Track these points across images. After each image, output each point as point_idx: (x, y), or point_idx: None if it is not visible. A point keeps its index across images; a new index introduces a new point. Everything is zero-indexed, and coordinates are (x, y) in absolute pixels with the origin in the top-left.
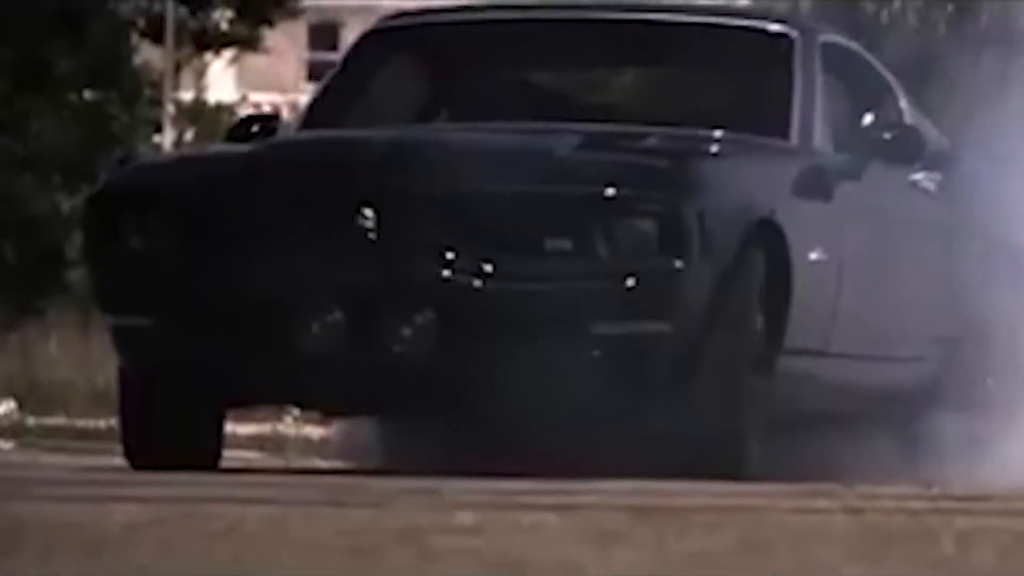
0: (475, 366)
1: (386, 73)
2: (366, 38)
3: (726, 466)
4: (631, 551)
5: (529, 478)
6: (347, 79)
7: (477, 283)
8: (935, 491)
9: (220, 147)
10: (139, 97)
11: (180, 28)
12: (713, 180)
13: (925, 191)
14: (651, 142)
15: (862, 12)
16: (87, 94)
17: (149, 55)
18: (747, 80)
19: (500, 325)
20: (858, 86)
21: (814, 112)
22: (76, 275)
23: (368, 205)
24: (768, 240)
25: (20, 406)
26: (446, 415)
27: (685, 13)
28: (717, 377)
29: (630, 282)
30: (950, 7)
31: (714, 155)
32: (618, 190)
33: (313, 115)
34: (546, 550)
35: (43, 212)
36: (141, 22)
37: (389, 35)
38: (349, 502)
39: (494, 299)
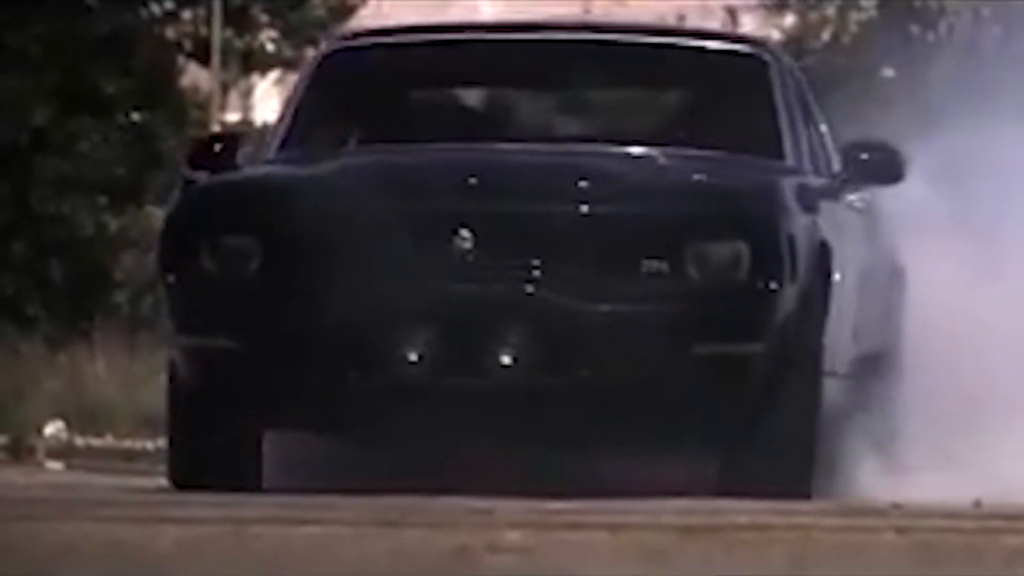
0: (574, 390)
1: (360, 91)
2: (330, 57)
3: (797, 487)
4: (679, 570)
5: (578, 497)
6: (321, 98)
7: (574, 305)
8: (983, 509)
9: (292, 167)
10: (186, 118)
11: (226, 50)
12: (791, 204)
13: (858, 211)
14: (720, 166)
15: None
16: (134, 116)
17: (196, 76)
18: (727, 102)
19: (598, 347)
20: (805, 109)
21: (799, 133)
22: (123, 296)
23: (465, 227)
24: (824, 261)
25: (68, 426)
26: (545, 440)
27: (658, 34)
28: (798, 396)
29: (727, 303)
30: (996, 29)
31: (786, 178)
32: (715, 212)
33: (293, 134)
34: (595, 569)
35: (90, 233)
36: (188, 44)
37: (356, 54)
38: (400, 522)
39: (592, 321)
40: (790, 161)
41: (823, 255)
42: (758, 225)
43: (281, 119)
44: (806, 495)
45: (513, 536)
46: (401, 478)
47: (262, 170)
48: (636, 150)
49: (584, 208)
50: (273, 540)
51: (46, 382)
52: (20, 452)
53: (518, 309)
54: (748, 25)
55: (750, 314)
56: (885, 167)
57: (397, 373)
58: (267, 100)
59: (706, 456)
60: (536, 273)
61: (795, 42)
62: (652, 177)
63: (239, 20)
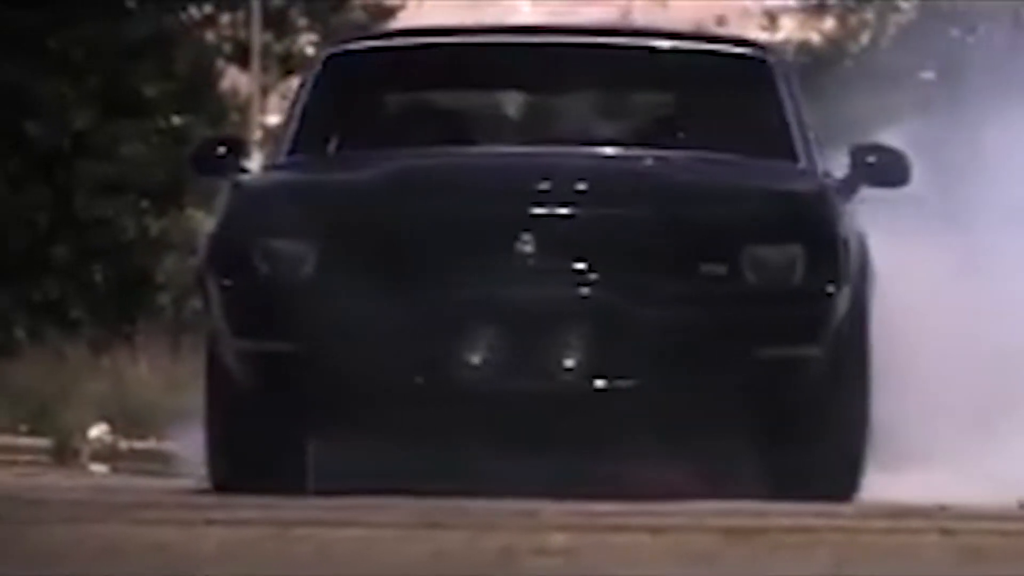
0: (635, 393)
1: (369, 93)
2: (335, 58)
3: (849, 489)
4: (723, 572)
5: (622, 500)
6: (328, 100)
7: (636, 308)
8: None
9: (346, 172)
10: (226, 121)
11: (266, 53)
12: (841, 207)
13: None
14: (757, 170)
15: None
16: (175, 119)
17: (236, 80)
18: (737, 105)
19: (660, 351)
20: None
21: (808, 135)
22: (165, 298)
23: (527, 231)
24: (866, 262)
25: (112, 429)
26: (606, 443)
27: (665, 38)
28: (850, 399)
29: (789, 306)
30: None
31: (833, 182)
32: (775, 216)
33: (302, 138)
34: (639, 571)
35: (132, 236)
36: (228, 47)
37: (362, 56)
38: (443, 524)
39: (653, 325)
40: (803, 164)
41: (866, 256)
42: (818, 228)
43: (288, 122)
44: (852, 497)
45: (557, 538)
46: (451, 480)
47: (316, 173)
48: (665, 154)
49: (647, 212)
50: (316, 542)
51: (90, 385)
52: (65, 455)
53: (580, 313)
54: (787, 28)
55: (810, 317)
56: (892, 170)
57: (460, 377)
58: None
59: (760, 458)
60: (598, 277)
61: (834, 45)
62: (706, 181)
63: (278, 23)
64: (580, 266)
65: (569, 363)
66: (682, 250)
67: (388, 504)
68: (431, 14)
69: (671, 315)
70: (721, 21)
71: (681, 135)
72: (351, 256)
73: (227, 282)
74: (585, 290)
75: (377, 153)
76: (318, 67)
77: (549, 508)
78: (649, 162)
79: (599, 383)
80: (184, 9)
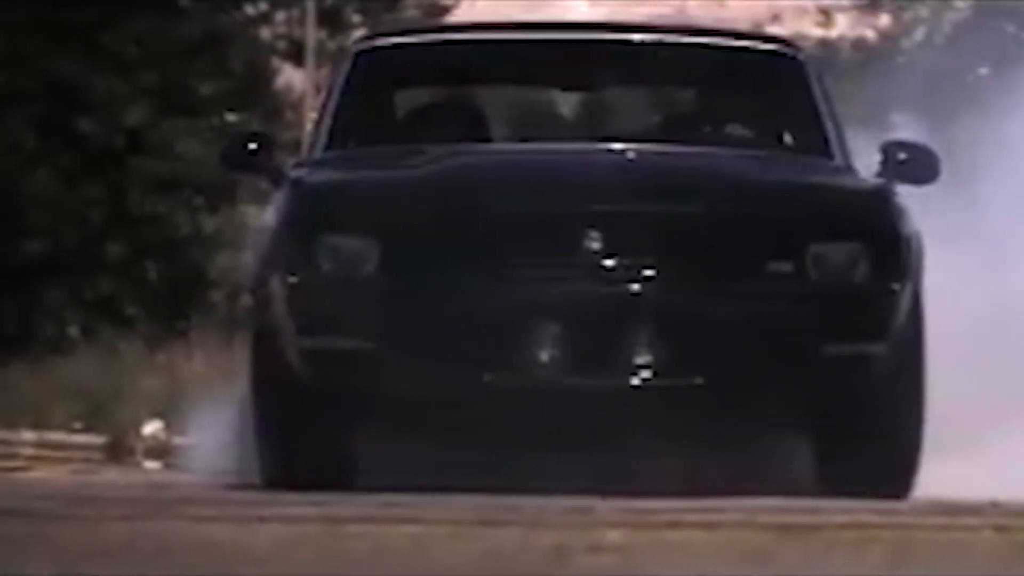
0: (702, 390)
1: (399, 90)
2: (367, 54)
3: (906, 487)
4: (777, 569)
5: (675, 496)
6: (363, 95)
7: (702, 305)
8: None
9: (406, 169)
10: (280, 118)
11: (320, 50)
12: (902, 204)
13: None
14: (811, 167)
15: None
16: (229, 116)
17: (290, 77)
18: (772, 102)
19: (727, 348)
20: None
21: (840, 131)
22: (219, 295)
23: (593, 228)
24: (921, 259)
25: (166, 426)
26: (673, 439)
27: (697, 34)
28: (908, 396)
29: (856, 303)
30: None
31: (879, 180)
32: (842, 214)
33: (338, 132)
34: (693, 569)
35: (186, 233)
36: (282, 45)
37: (395, 51)
38: (497, 521)
39: (720, 321)
40: (838, 160)
41: (921, 253)
42: (884, 226)
43: (322, 118)
44: (907, 494)
45: (611, 535)
46: (514, 478)
47: (375, 169)
48: (711, 151)
49: (715, 209)
50: (369, 539)
51: (144, 382)
52: (119, 452)
53: (648, 310)
54: (842, 25)
55: (876, 314)
56: (922, 167)
57: (529, 375)
58: None
59: (818, 455)
60: (665, 274)
61: (889, 41)
62: (772, 179)
63: (332, 21)
64: (647, 263)
65: (637, 361)
66: (749, 247)
67: (441, 501)
68: (485, 12)
69: (738, 312)
70: (776, 18)
71: (718, 132)
72: (416, 253)
73: (292, 279)
74: (652, 287)
75: (423, 148)
76: (349, 63)
77: (603, 505)
78: (707, 159)
79: (667, 381)
80: (238, 7)
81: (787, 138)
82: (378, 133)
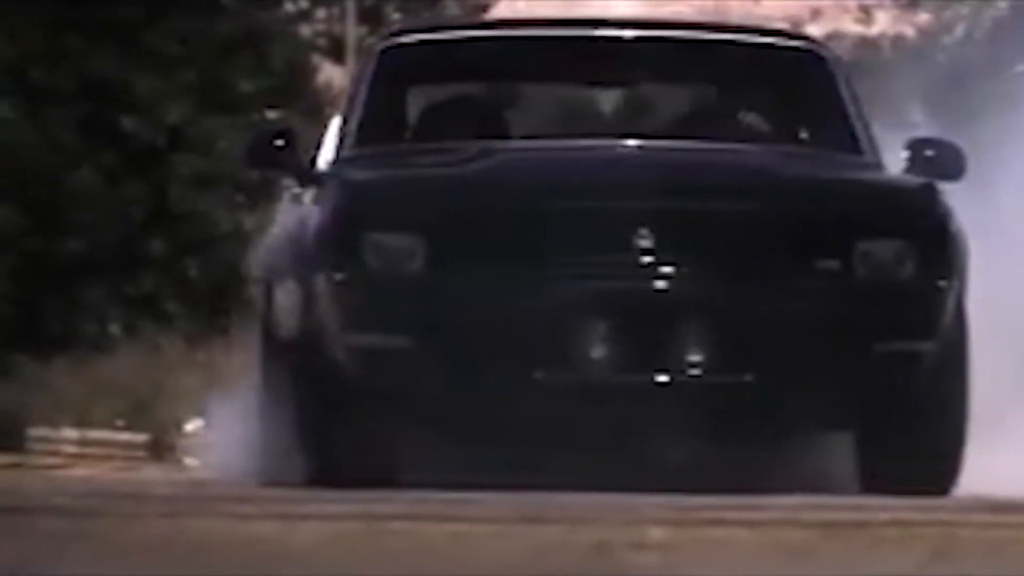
0: (753, 388)
1: (425, 86)
2: (393, 50)
3: (945, 484)
4: (820, 567)
5: (717, 493)
6: (391, 91)
7: (753, 303)
8: None
9: (449, 166)
10: (321, 115)
11: (360, 47)
12: (946, 202)
13: None
14: (850, 165)
15: None
16: (270, 114)
17: (330, 74)
18: (797, 98)
19: (778, 346)
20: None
21: (868, 128)
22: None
23: (643, 225)
24: (965, 257)
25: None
26: (724, 437)
27: (723, 31)
28: (954, 393)
29: (903, 301)
30: None
31: (922, 178)
32: (890, 212)
33: (365, 130)
34: (736, 566)
35: (226, 230)
36: (322, 42)
37: (421, 47)
38: (540, 519)
39: (770, 319)
40: (868, 157)
41: (966, 251)
42: (932, 224)
43: (349, 114)
44: (950, 491)
45: (653, 532)
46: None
47: (420, 167)
48: (747, 148)
49: (766, 207)
50: (411, 537)
51: (185, 379)
52: (160, 450)
53: (699, 308)
54: (882, 22)
55: (925, 311)
56: (949, 164)
57: (581, 372)
58: None
59: (863, 452)
60: (716, 271)
61: (929, 38)
62: (819, 177)
63: (373, 17)
64: (697, 260)
65: (688, 358)
66: (798, 245)
67: (482, 499)
68: (525, 9)
69: (787, 310)
70: (816, 16)
71: (748, 129)
72: (464, 250)
73: (338, 276)
74: (702, 284)
75: (458, 146)
76: (374, 60)
77: (645, 502)
78: (751, 157)
79: (717, 378)
80: (279, 4)
81: (817, 135)
82: (407, 130)
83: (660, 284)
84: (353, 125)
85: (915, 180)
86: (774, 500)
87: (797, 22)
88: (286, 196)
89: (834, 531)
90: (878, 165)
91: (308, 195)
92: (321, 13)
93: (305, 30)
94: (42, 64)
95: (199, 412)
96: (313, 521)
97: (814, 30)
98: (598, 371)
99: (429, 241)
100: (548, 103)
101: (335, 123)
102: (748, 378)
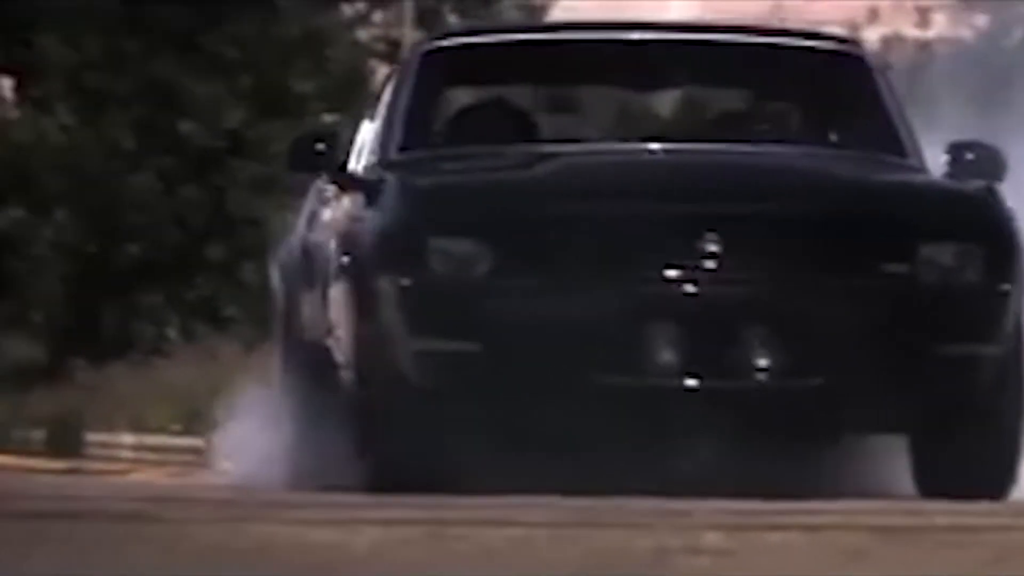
0: (820, 392)
1: (469, 89)
2: (435, 53)
3: (1005, 488)
4: (878, 571)
5: (775, 498)
6: (431, 95)
7: (817, 306)
8: None
9: (513, 171)
10: None
11: None
12: (1007, 205)
13: None
14: (906, 164)
15: None
16: (327, 117)
17: None
18: (841, 101)
19: (845, 349)
20: None
21: (911, 130)
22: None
23: (711, 229)
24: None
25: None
26: (790, 440)
27: (764, 34)
28: (1014, 396)
29: (968, 304)
30: None
31: (960, 178)
32: (953, 214)
33: (410, 134)
34: (793, 570)
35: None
36: (379, 46)
37: (455, 52)
38: (597, 523)
39: (834, 322)
40: (912, 160)
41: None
42: (997, 227)
43: (391, 118)
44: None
45: (710, 537)
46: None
47: (480, 171)
48: (802, 151)
49: (832, 210)
50: (471, 542)
51: (242, 384)
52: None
53: (766, 311)
54: (940, 23)
55: (990, 315)
56: (990, 166)
57: (650, 377)
58: None
59: (924, 456)
60: (782, 275)
61: (987, 40)
62: (882, 180)
63: (430, 21)
64: (764, 265)
65: (755, 362)
66: (862, 248)
67: (542, 503)
68: (581, 11)
69: (854, 313)
70: (873, 15)
71: (797, 132)
72: (530, 255)
73: (404, 281)
74: (769, 289)
75: (514, 149)
76: (416, 63)
77: (702, 507)
78: (811, 161)
79: (785, 382)
80: (337, 7)
81: (861, 138)
82: (452, 133)
83: (726, 289)
84: (398, 128)
85: (976, 184)
86: (830, 504)
87: (854, 24)
88: (312, 198)
89: (891, 535)
90: (923, 168)
91: (352, 199)
92: (378, 16)
93: (362, 34)
94: (100, 69)
95: (231, 415)
96: (374, 526)
97: (870, 34)
98: (664, 376)
99: (495, 246)
100: (588, 106)
101: (367, 127)
102: (816, 382)
